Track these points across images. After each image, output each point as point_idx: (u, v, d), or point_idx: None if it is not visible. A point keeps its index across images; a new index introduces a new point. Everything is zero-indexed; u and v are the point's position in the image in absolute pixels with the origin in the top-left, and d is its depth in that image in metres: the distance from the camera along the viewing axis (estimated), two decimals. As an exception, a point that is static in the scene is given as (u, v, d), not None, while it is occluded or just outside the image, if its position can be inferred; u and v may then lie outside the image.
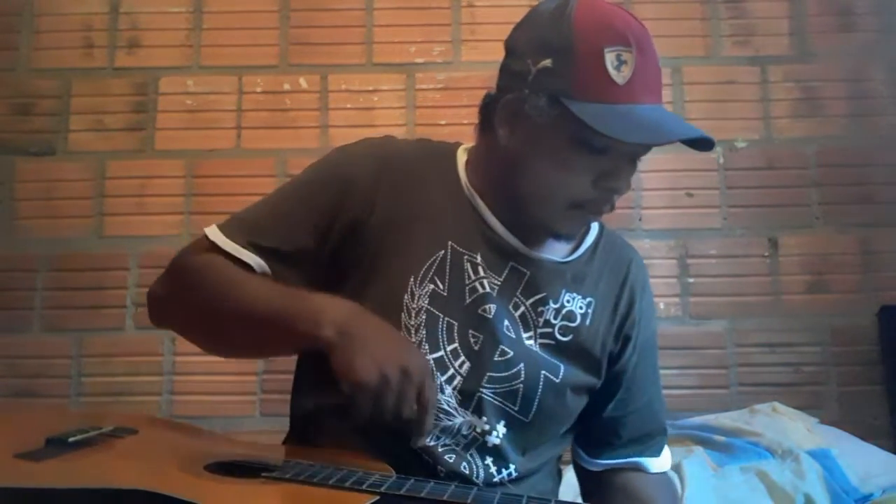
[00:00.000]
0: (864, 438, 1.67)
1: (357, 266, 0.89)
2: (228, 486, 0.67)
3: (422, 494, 0.68)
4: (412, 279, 0.88)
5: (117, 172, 2.00)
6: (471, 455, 0.89)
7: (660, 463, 1.00)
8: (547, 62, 0.82)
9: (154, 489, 0.60)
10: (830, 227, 1.98)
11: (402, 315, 0.87)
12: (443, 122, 1.99)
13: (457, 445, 0.88)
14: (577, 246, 0.97)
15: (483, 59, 2.01)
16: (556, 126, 0.82)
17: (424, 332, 0.87)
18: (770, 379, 1.92)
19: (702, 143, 0.82)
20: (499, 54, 0.88)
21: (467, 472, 0.87)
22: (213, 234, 0.90)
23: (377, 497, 0.66)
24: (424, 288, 0.88)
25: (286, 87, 2.04)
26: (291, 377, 1.00)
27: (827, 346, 1.93)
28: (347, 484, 0.68)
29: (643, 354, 0.99)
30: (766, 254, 1.98)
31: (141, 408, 1.89)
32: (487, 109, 0.91)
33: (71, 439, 0.74)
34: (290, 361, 0.99)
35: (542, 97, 0.82)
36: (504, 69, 0.90)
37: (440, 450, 0.87)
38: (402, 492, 0.68)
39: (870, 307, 1.93)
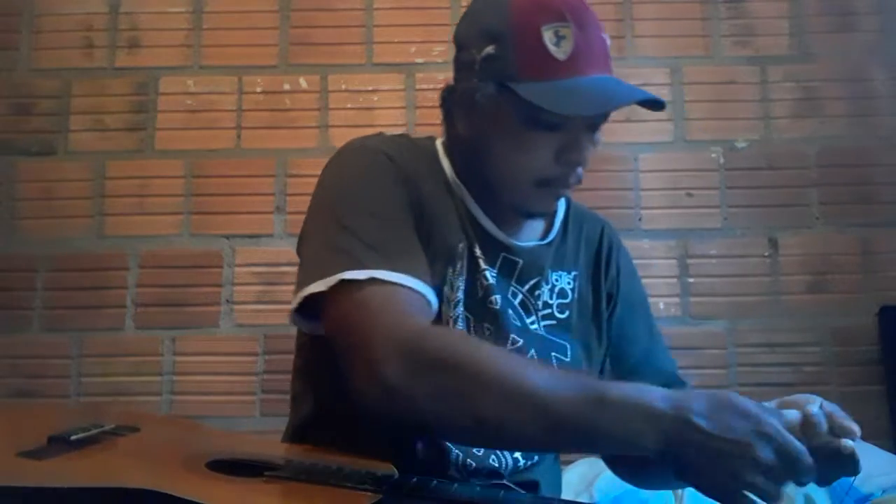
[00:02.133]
0: (864, 438, 1.65)
1: None
2: (231, 485, 0.67)
3: (426, 493, 0.68)
4: (450, 270, 0.88)
5: (117, 172, 2.00)
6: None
7: None
8: (490, 49, 0.84)
9: (158, 488, 0.60)
10: (830, 227, 1.98)
11: (443, 306, 0.87)
12: (443, 122, 1.98)
13: None
14: (551, 225, 0.99)
15: (483, 60, 2.00)
16: (507, 110, 0.84)
17: (462, 325, 0.88)
18: (770, 379, 1.91)
19: (654, 104, 0.84)
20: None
21: (496, 465, 0.88)
22: (381, 274, 0.78)
23: (381, 495, 0.66)
24: (458, 281, 0.88)
25: (286, 87, 2.04)
26: (290, 377, 0.99)
27: (827, 346, 1.93)
28: (351, 482, 0.68)
29: (629, 309, 1.01)
30: (766, 254, 1.98)
31: (141, 408, 1.88)
32: (447, 103, 0.93)
33: (73, 437, 0.74)
34: (289, 361, 0.99)
35: (489, 84, 0.85)
36: (455, 62, 0.92)
37: None
38: (405, 490, 0.68)
39: (870, 307, 1.93)
